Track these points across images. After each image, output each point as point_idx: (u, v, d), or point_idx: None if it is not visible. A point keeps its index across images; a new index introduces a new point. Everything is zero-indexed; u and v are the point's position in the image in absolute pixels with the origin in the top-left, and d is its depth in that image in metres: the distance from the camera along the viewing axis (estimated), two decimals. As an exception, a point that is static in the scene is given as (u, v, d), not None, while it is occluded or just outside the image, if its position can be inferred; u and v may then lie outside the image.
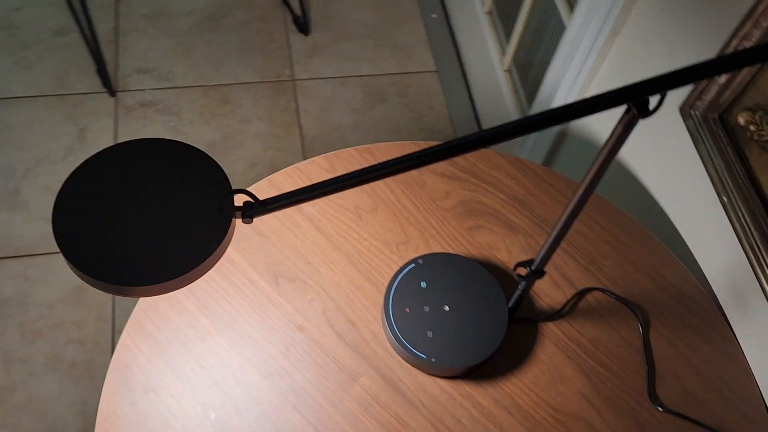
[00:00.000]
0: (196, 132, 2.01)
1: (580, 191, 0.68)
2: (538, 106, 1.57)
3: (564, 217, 0.74)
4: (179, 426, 0.83)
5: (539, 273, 0.82)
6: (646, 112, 0.56)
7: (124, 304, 1.72)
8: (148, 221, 0.63)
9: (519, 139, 1.70)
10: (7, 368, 1.63)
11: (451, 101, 2.15)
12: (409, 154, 0.58)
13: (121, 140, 2.06)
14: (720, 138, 0.85)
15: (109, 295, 1.73)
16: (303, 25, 2.23)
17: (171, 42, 2.17)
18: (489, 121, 2.02)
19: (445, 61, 2.23)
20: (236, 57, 2.17)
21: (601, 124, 1.26)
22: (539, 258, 0.80)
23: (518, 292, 0.88)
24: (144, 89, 2.06)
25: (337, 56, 2.22)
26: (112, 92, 2.03)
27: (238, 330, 0.90)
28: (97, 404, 1.56)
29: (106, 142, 1.98)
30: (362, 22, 2.30)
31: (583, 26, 1.28)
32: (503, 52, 1.88)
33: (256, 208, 0.66)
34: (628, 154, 1.16)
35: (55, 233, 0.61)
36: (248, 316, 0.91)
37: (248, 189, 0.65)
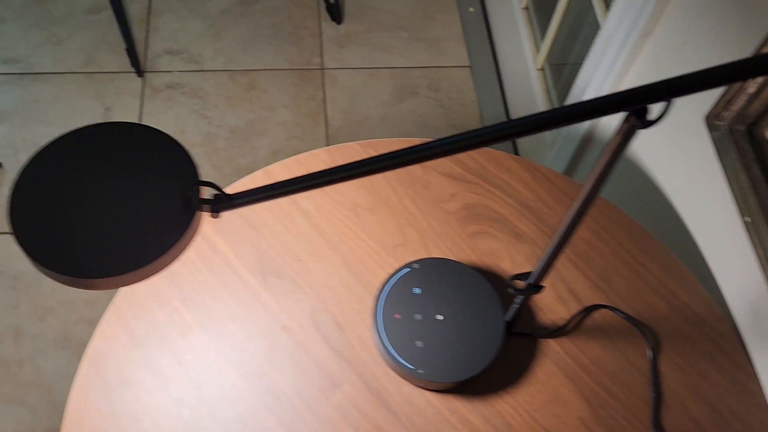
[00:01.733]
0: (220, 116, 1.98)
1: (578, 203, 0.62)
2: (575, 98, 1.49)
3: (563, 229, 0.68)
4: (150, 422, 0.79)
5: (536, 287, 0.76)
6: (646, 122, 0.49)
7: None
8: (110, 210, 0.60)
9: (541, 145, 1.63)
10: (17, 342, 1.63)
11: (482, 98, 2.08)
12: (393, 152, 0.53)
13: (145, 121, 2.05)
14: (746, 152, 0.78)
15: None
16: (336, 13, 2.19)
17: (202, 24, 2.15)
18: (519, 121, 1.94)
19: (479, 56, 2.16)
20: (266, 42, 2.14)
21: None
22: (537, 271, 0.74)
23: (515, 306, 0.82)
24: (172, 71, 2.05)
25: (368, 46, 2.17)
26: (140, 72, 2.02)
27: (220, 326, 0.86)
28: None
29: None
30: (396, 12, 2.25)
31: (618, 25, 1.20)
32: (537, 50, 1.81)
33: (224, 203, 0.62)
34: (648, 162, 1.09)
35: (11, 222, 0.57)
36: (232, 312, 0.87)
37: (214, 183, 0.61)
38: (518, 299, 0.80)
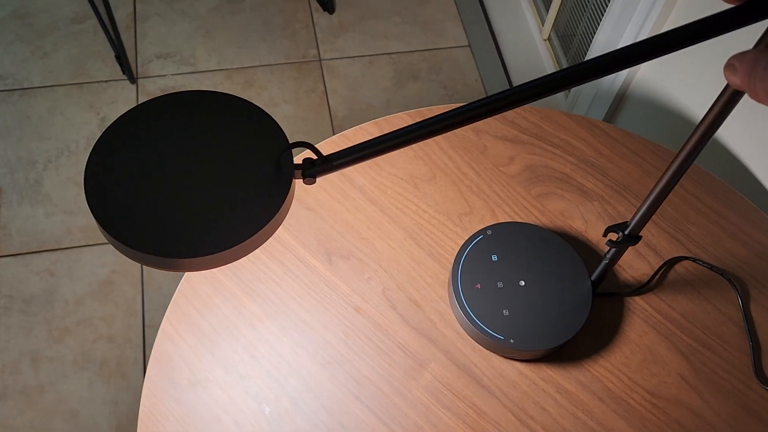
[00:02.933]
0: (221, 117, 1.92)
1: (696, 137, 0.58)
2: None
3: (668, 175, 0.63)
4: (231, 422, 0.74)
5: (635, 238, 0.72)
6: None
7: (154, 297, 1.64)
8: (195, 184, 0.54)
9: (570, 102, 1.59)
10: (35, 368, 1.55)
11: (486, 76, 2.04)
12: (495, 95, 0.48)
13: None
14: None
15: (138, 289, 1.65)
16: (327, 4, 2.13)
17: (191, 26, 2.08)
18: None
19: (477, 34, 2.12)
20: (259, 38, 2.08)
21: (665, 80, 1.15)
22: (635, 220, 0.70)
23: (605, 261, 0.77)
24: (165, 75, 1.98)
25: (364, 34, 2.12)
26: (133, 79, 1.95)
27: (290, 315, 0.80)
28: (131, 403, 1.47)
29: (129, 130, 1.89)
30: (389, -3, 2.20)
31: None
32: (542, 20, 1.78)
33: (318, 165, 0.57)
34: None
35: (89, 201, 0.51)
36: (300, 299, 0.81)
37: (310, 143, 0.56)
38: (609, 254, 0.76)
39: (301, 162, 0.58)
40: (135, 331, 1.60)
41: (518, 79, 1.97)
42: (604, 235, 0.72)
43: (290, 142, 0.56)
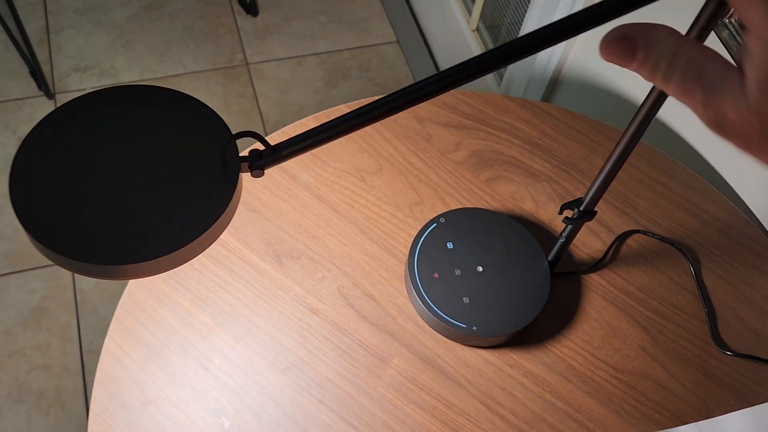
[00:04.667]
0: (148, 128, 1.84)
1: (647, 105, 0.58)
2: (516, 67, 1.46)
3: (622, 145, 0.63)
4: (189, 441, 0.69)
5: (590, 213, 0.71)
6: None
7: (90, 320, 1.56)
8: (132, 185, 0.50)
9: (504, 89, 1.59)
10: (-35, 407, 1.45)
11: (416, 70, 2.04)
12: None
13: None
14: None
15: (72, 313, 1.56)
16: (250, 6, 2.09)
17: (109, 36, 2.00)
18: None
19: (404, 29, 2.12)
20: (182, 45, 2.01)
21: (597, 60, 1.16)
22: (590, 195, 0.69)
23: (561, 240, 0.77)
24: (85, 88, 1.89)
25: (290, 36, 2.08)
26: (50, 94, 1.86)
27: (243, 322, 0.76)
28: (75, 433, 1.39)
29: (50, 148, 1.80)
30: (313, -3, 2.17)
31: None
32: (468, 11, 1.78)
33: (267, 156, 0.53)
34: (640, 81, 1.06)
35: (18, 215, 0.47)
36: (252, 304, 0.77)
37: (257, 133, 0.52)
38: (565, 232, 0.75)
39: (247, 154, 0.54)
40: (72, 357, 1.52)
41: (449, 72, 1.97)
42: (560, 213, 0.72)
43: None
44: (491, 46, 1.70)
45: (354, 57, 2.06)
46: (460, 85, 0.49)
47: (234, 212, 0.52)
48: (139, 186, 0.50)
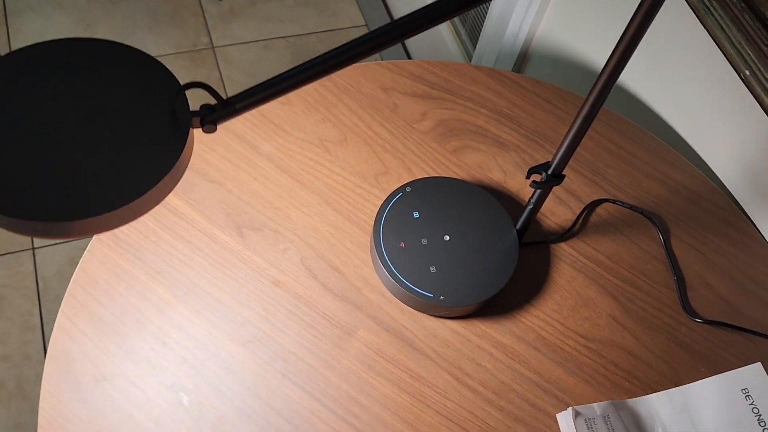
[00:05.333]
0: (110, 112, 1.80)
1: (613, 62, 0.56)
2: (485, 42, 1.44)
3: (589, 103, 0.61)
4: (145, 418, 0.66)
5: (558, 177, 0.69)
6: None
7: (53, 308, 1.51)
8: (78, 141, 0.47)
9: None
10: None
11: (385, 55, 2.01)
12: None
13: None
14: (732, 4, 0.75)
15: (34, 301, 1.52)
16: (215, -11, 2.04)
17: (69, 18, 1.95)
18: (430, 69, 1.88)
19: (373, 13, 2.09)
20: (146, 29, 1.96)
21: (566, 32, 1.14)
22: (557, 158, 0.68)
23: (529, 207, 0.75)
24: (45, 72, 1.84)
25: (256, 19, 2.04)
26: (8, 78, 1.80)
27: (202, 295, 0.74)
28: (35, 425, 1.35)
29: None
30: (279, -21, 2.13)
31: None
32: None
33: (219, 110, 0.51)
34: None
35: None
36: (212, 277, 0.75)
37: (206, 84, 0.50)
38: (533, 198, 0.73)
39: (198, 109, 0.52)
40: (34, 346, 1.47)
41: (421, 54, 1.95)
42: (528, 177, 0.70)
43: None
44: (461, 30, 1.68)
45: (321, 41, 2.03)
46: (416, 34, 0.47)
47: (185, 168, 0.50)
48: (84, 141, 0.47)
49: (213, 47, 1.97)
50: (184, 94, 0.50)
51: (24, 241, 1.59)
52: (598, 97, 0.61)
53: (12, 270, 1.56)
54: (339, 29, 2.06)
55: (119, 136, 0.48)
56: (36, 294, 1.54)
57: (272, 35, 2.01)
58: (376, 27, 1.93)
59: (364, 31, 2.05)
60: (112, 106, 0.49)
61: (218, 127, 0.84)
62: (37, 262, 1.57)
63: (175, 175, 0.48)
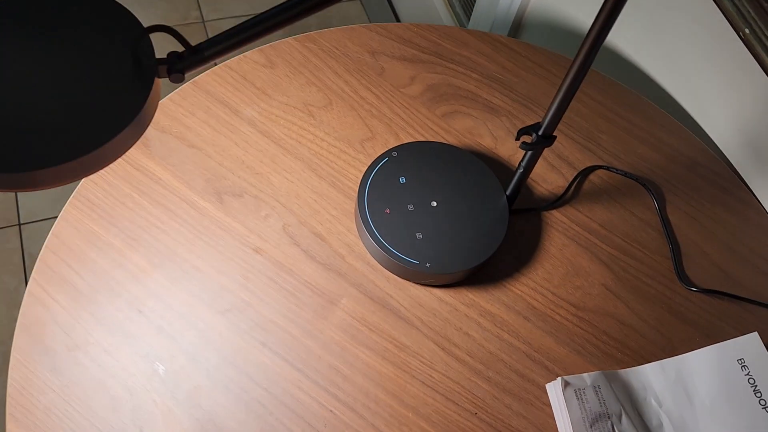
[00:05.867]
0: (98, 87, 1.76)
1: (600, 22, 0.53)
2: (479, 12, 1.41)
3: (579, 61, 0.58)
4: (119, 387, 0.64)
5: (549, 138, 0.67)
6: None
7: (39, 285, 1.49)
8: (37, 86, 0.44)
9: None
10: None
11: (374, 19, 1.97)
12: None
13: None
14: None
15: (20, 278, 1.49)
16: (206, -39, 2.00)
17: (56, -9, 1.90)
18: (424, 43, 1.85)
19: (367, -14, 2.05)
20: (134, 2, 1.92)
21: (564, 3, 1.11)
22: (548, 118, 0.65)
23: (520, 171, 0.72)
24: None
25: (248, -8, 2.00)
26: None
27: (180, 263, 0.71)
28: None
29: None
30: (271, -48, 2.09)
31: None
32: (432, -37, 1.72)
33: (187, 58, 0.48)
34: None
35: None
36: (190, 244, 0.72)
37: (171, 28, 0.47)
38: (524, 161, 0.71)
39: (165, 56, 0.49)
40: (20, 323, 1.45)
41: (412, 28, 1.91)
42: (517, 138, 0.67)
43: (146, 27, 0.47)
44: (460, 10, 1.65)
45: (315, 15, 1.99)
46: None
47: (150, 119, 0.47)
48: (43, 88, 0.44)
49: (204, 21, 1.93)
50: (149, 39, 0.47)
51: (10, 216, 1.56)
52: (590, 48, 0.58)
53: (-2, 246, 1.53)
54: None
55: (80, 84, 0.45)
56: (23, 270, 1.51)
57: (263, 9, 1.97)
58: (369, 2, 1.88)
59: (357, 6, 2.02)
60: (71, 52, 0.46)
61: (199, 90, 0.81)
62: (23, 238, 1.55)
63: (138, 125, 0.45)
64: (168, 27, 0.46)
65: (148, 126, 0.47)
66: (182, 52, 0.48)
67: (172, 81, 0.48)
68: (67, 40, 0.46)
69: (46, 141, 0.43)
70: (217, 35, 0.48)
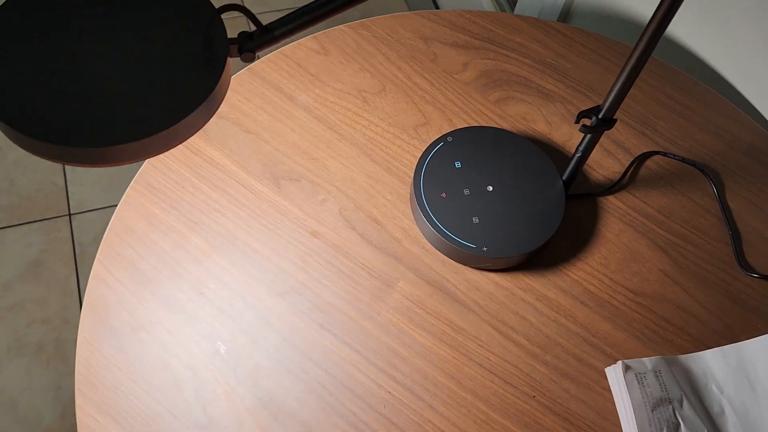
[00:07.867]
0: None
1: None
2: (526, 1, 1.40)
3: (644, 41, 0.58)
4: (182, 366, 0.65)
5: (609, 122, 0.66)
6: None
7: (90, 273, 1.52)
8: (113, 67, 0.45)
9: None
10: (-37, 361, 1.42)
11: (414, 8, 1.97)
12: None
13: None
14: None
15: (71, 267, 1.53)
16: (249, -45, 2.02)
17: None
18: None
19: (409, -22, 2.05)
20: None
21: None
22: (609, 101, 0.64)
23: (578, 155, 0.72)
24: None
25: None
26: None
27: (239, 245, 0.72)
28: (73, 386, 1.36)
29: None
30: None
31: None
32: (475, -47, 1.71)
33: (258, 38, 0.49)
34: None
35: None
36: (249, 227, 0.73)
37: (242, 6, 0.48)
38: (582, 145, 0.70)
39: (236, 36, 0.49)
40: (72, 310, 1.48)
41: (455, 20, 1.90)
42: (577, 122, 0.67)
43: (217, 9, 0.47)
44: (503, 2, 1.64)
45: (357, 8, 2.00)
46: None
47: (222, 98, 0.48)
48: (118, 69, 0.45)
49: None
50: (221, 20, 0.48)
51: (61, 207, 1.60)
52: (653, 33, 0.57)
53: (50, 236, 1.57)
54: (374, -5, 2.02)
55: (154, 64, 0.46)
56: (73, 260, 1.55)
57: (304, 1, 1.99)
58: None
59: (399, -4, 2.02)
60: (146, 33, 0.47)
61: (254, 76, 0.82)
62: (73, 227, 1.58)
63: (211, 104, 0.46)
64: (241, 6, 0.46)
65: (220, 104, 0.48)
66: (252, 32, 0.49)
67: (243, 60, 0.49)
68: (142, 21, 0.47)
69: (124, 118, 0.44)
70: (287, 15, 0.49)
